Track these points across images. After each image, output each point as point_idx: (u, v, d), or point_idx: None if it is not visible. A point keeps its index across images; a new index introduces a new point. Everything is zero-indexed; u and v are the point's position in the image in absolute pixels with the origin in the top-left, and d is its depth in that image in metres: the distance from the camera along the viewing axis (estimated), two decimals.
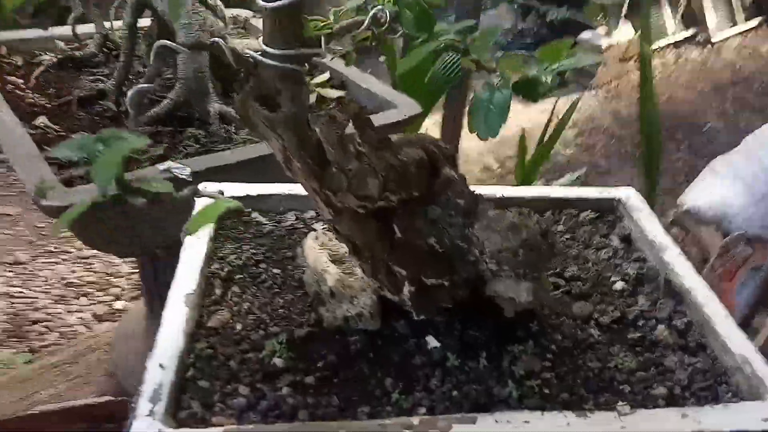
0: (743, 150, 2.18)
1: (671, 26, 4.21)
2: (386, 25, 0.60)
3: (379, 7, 0.62)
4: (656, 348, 0.71)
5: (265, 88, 0.62)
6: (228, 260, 0.77)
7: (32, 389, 1.59)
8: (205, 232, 0.77)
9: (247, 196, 0.86)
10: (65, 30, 1.48)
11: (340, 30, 0.60)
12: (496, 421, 0.59)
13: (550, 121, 1.92)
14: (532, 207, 0.84)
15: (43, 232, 2.28)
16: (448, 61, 1.79)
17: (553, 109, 2.07)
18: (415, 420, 0.58)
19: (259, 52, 0.61)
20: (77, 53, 1.43)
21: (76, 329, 1.95)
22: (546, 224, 0.68)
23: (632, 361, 0.69)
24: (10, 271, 2.08)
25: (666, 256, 0.81)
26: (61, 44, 1.49)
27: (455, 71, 1.77)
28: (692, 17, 4.32)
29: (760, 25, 4.65)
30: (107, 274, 2.18)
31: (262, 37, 0.61)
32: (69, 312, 2.01)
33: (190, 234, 0.48)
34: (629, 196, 0.92)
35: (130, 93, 0.58)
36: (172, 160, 1.11)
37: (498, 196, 0.90)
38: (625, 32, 3.72)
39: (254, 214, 0.86)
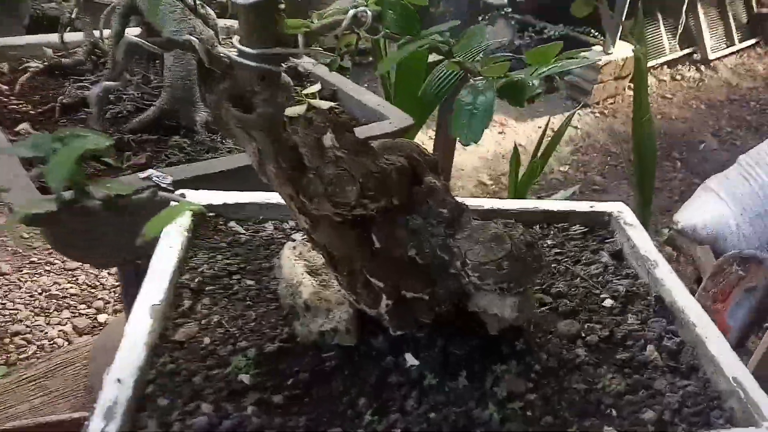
0: (738, 169, 2.17)
1: (668, 45, 4.22)
2: (368, 25, 0.57)
3: (361, 7, 0.59)
4: (646, 369, 0.68)
5: (241, 88, 0.59)
6: (200, 270, 0.73)
7: (7, 403, 1.55)
8: (178, 241, 0.74)
9: (224, 204, 0.82)
10: (54, 37, 1.47)
11: (320, 29, 0.57)
12: None
13: (543, 136, 1.90)
14: (520, 220, 0.81)
15: (29, 243, 2.25)
16: (441, 73, 1.77)
17: (547, 124, 2.06)
18: None
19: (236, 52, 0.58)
20: (64, 60, 1.41)
21: (56, 342, 1.91)
22: (532, 236, 0.65)
23: (620, 383, 0.65)
24: None
25: (657, 273, 0.78)
26: (49, 51, 1.47)
27: (448, 84, 1.75)
28: (689, 36, 4.34)
29: (756, 44, 4.67)
30: (91, 286, 2.14)
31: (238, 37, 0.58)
32: (50, 324, 1.97)
33: (146, 238, 0.44)
34: (621, 210, 0.89)
35: (93, 90, 0.55)
36: (154, 169, 1.08)
37: (485, 208, 0.87)
38: (622, 50, 3.72)
39: (231, 223, 0.82)
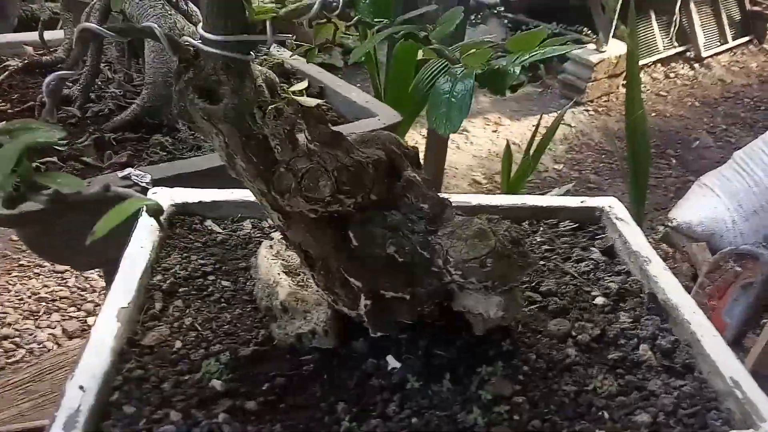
0: (733, 165, 2.15)
1: (661, 43, 4.21)
2: (339, 11, 0.54)
3: None
4: (639, 369, 0.65)
5: (207, 79, 0.56)
6: (172, 271, 0.70)
7: None
8: (150, 241, 0.71)
9: (200, 202, 0.79)
10: (34, 35, 1.45)
11: (288, 15, 0.54)
12: None
13: (535, 133, 1.87)
14: (508, 216, 0.78)
15: (18, 246, 2.22)
16: (431, 71, 1.75)
17: (538, 121, 2.03)
18: None
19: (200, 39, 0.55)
20: (44, 58, 1.38)
21: (46, 345, 1.88)
22: (518, 231, 0.62)
23: (612, 385, 0.62)
24: None
25: (650, 270, 0.75)
26: (30, 49, 1.44)
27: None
28: (682, 34, 4.32)
29: (749, 42, 4.66)
30: (81, 289, 2.11)
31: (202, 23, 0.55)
32: (39, 328, 1.94)
33: (95, 236, 0.41)
34: (612, 205, 0.86)
35: (47, 79, 0.52)
36: (134, 168, 1.06)
37: (472, 204, 0.84)
38: (615, 48, 3.70)
39: (207, 222, 0.79)
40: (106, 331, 0.59)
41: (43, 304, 2.01)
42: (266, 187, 0.57)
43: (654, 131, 3.34)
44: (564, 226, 0.85)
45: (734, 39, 4.58)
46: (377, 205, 0.60)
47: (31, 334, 1.91)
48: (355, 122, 1.25)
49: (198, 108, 0.55)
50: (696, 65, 4.34)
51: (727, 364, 0.64)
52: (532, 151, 1.83)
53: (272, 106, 0.56)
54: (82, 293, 2.10)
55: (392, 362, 0.63)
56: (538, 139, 1.86)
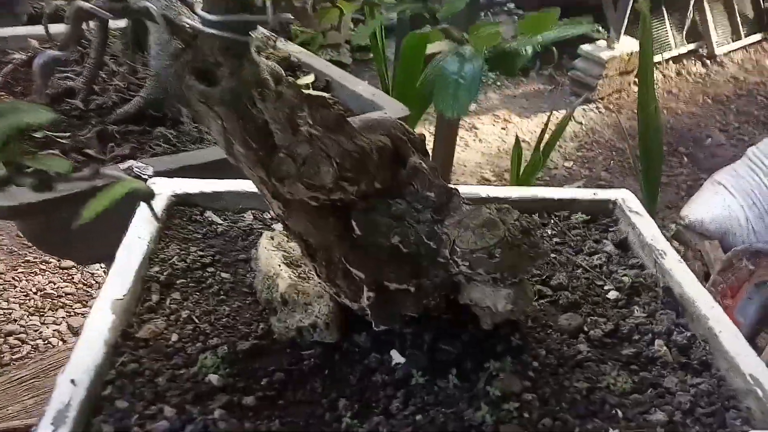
0: (746, 162, 2.11)
1: (674, 40, 4.16)
2: None
3: None
4: (654, 366, 0.62)
5: (205, 60, 0.54)
6: (170, 263, 0.68)
7: None
8: (148, 231, 0.69)
9: (201, 193, 0.77)
10: (39, 29, 1.44)
11: None
12: None
13: (545, 129, 1.84)
14: (518, 208, 0.76)
15: (24, 242, 2.21)
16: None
17: (548, 118, 2.00)
18: None
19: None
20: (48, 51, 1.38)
21: (51, 342, 1.88)
22: (528, 221, 0.59)
23: (626, 382, 0.60)
24: None
25: (666, 263, 0.72)
26: (34, 43, 1.43)
27: None
28: (695, 31, 4.27)
29: (763, 39, 4.60)
30: (87, 285, 2.11)
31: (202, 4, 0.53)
32: (44, 324, 1.94)
33: (83, 220, 0.39)
34: (625, 198, 0.83)
35: (37, 60, 0.50)
36: (137, 160, 1.04)
37: (481, 195, 0.81)
38: (627, 45, 3.66)
39: (207, 213, 0.77)
40: (100, 324, 0.57)
41: (49, 300, 2.01)
42: (266, 174, 0.55)
43: (666, 129, 3.30)
44: (576, 219, 0.83)
45: (747, 36, 4.52)
46: (381, 193, 0.57)
47: (36, 330, 1.90)
48: (362, 115, 1.24)
49: (195, 90, 0.53)
50: (709, 62, 4.28)
51: (747, 361, 0.61)
52: (541, 147, 1.80)
53: (273, 89, 0.53)
54: (87, 290, 2.09)
55: (396, 357, 0.60)
56: (547, 136, 1.83)
